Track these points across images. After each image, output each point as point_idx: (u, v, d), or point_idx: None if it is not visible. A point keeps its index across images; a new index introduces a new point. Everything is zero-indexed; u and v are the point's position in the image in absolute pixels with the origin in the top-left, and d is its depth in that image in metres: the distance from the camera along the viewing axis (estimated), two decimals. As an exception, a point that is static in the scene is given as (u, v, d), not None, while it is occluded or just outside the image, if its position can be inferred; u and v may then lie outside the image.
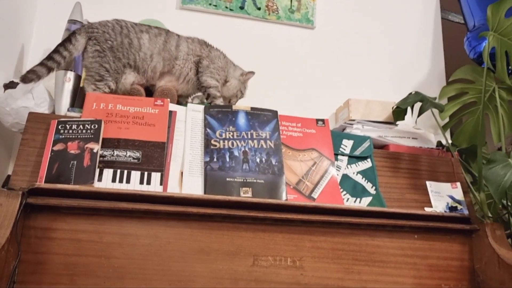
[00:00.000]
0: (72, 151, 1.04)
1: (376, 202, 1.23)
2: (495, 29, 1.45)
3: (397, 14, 2.07)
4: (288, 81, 1.84)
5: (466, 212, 1.26)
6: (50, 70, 1.18)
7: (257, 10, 1.87)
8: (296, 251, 1.06)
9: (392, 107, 1.51)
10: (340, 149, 1.30)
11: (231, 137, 1.18)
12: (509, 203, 1.32)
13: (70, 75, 1.34)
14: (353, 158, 1.30)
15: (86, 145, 1.05)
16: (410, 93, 1.50)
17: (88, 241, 0.95)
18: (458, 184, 1.32)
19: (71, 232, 0.95)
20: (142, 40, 1.29)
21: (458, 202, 1.29)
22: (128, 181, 1.05)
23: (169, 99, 1.21)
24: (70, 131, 1.07)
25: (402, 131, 1.53)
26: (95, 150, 1.04)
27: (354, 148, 1.31)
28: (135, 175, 1.07)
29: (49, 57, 1.19)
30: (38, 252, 0.92)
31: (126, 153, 1.09)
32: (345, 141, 1.32)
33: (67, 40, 1.23)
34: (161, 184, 1.07)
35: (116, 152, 1.08)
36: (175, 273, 0.97)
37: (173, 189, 1.09)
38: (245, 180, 1.12)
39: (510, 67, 1.49)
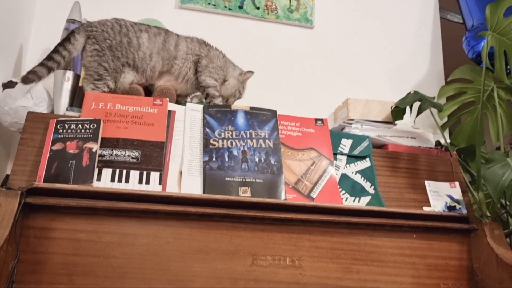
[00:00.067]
0: (71, 151, 1.04)
1: (375, 202, 1.23)
2: (494, 28, 1.45)
3: (396, 14, 2.08)
4: (287, 80, 1.84)
5: (464, 211, 1.26)
6: (50, 70, 1.18)
7: (256, 10, 1.87)
8: (295, 250, 1.06)
9: (391, 107, 1.51)
10: (339, 148, 1.30)
11: (230, 137, 1.18)
12: (507, 203, 1.33)
13: (69, 74, 1.34)
14: (352, 158, 1.30)
15: (85, 145, 1.05)
16: (409, 93, 1.50)
17: (87, 240, 0.95)
18: (457, 183, 1.32)
19: (70, 231, 0.95)
20: (141, 40, 1.29)
21: (457, 201, 1.29)
22: (127, 181, 1.05)
23: (168, 99, 1.21)
24: (69, 131, 1.06)
25: (401, 130, 1.53)
26: (94, 150, 1.04)
27: (353, 147, 1.31)
28: (134, 174, 1.07)
29: (49, 57, 1.19)
30: (37, 252, 0.92)
31: (125, 153, 1.09)
32: (344, 141, 1.32)
33: (66, 39, 1.22)
34: (160, 183, 1.07)
35: (115, 152, 1.08)
36: (174, 272, 0.97)
37: (172, 188, 1.09)
38: (244, 180, 1.12)
39: (508, 67, 1.49)
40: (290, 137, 1.26)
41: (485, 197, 1.31)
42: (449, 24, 2.31)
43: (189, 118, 1.20)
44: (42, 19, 1.64)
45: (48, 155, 1.03)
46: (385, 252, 1.12)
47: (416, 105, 1.44)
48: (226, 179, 1.11)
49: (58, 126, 1.07)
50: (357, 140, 1.33)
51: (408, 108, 1.47)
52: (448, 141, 1.57)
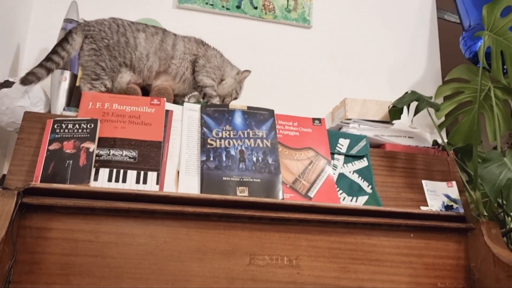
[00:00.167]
0: (68, 151, 1.03)
1: (372, 201, 1.23)
2: (491, 28, 1.45)
3: (393, 14, 2.08)
4: (285, 80, 1.84)
5: (461, 210, 1.26)
6: (49, 71, 1.18)
7: (254, 10, 1.87)
8: (293, 250, 1.06)
9: (388, 106, 1.51)
10: (337, 148, 1.30)
11: (228, 136, 1.18)
12: (504, 202, 1.33)
13: (66, 74, 1.34)
14: (350, 157, 1.30)
15: (82, 145, 1.04)
16: (406, 92, 1.50)
17: (84, 240, 0.95)
18: (454, 183, 1.32)
19: (67, 231, 0.95)
20: (138, 39, 1.28)
21: (454, 201, 1.29)
22: (124, 181, 1.05)
23: (165, 98, 1.21)
24: (66, 131, 1.06)
25: (398, 130, 1.54)
26: (91, 150, 1.04)
27: (350, 147, 1.32)
28: (131, 174, 1.06)
29: (48, 58, 1.18)
30: (33, 252, 0.92)
31: (122, 153, 1.08)
32: (341, 140, 1.32)
33: (64, 39, 1.22)
34: (157, 183, 1.07)
35: (112, 152, 1.08)
36: (171, 272, 0.97)
37: (170, 188, 1.08)
38: (241, 179, 1.12)
39: (505, 67, 1.50)
40: (288, 137, 1.26)
41: (482, 197, 1.31)
42: (446, 24, 2.32)
43: (186, 118, 1.20)
44: (39, 19, 1.64)
45: (45, 155, 1.02)
46: (383, 251, 1.12)
47: (414, 104, 1.44)
48: (224, 178, 1.11)
49: (55, 126, 1.07)
50: (355, 139, 1.34)
51: (405, 108, 1.47)
52: (445, 140, 1.57)
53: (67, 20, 1.43)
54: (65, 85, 1.32)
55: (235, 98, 1.45)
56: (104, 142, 1.08)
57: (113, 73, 1.24)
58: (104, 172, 1.04)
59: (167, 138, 1.15)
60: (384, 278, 1.10)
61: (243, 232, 1.04)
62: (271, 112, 1.26)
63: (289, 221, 1.07)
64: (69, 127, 1.07)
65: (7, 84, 1.24)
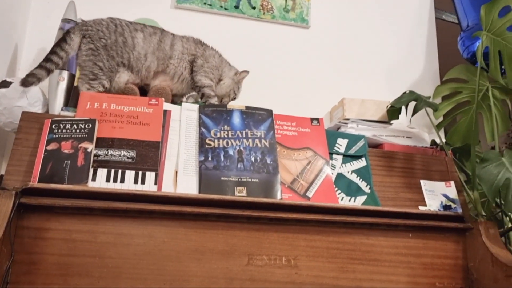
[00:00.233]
0: (66, 151, 1.03)
1: (370, 201, 1.23)
2: (488, 29, 1.46)
3: (391, 14, 2.08)
4: (283, 80, 1.84)
5: (460, 210, 1.27)
6: (49, 72, 1.18)
7: (252, 10, 1.87)
8: (291, 250, 1.06)
9: (387, 106, 1.52)
10: (335, 148, 1.30)
11: (226, 136, 1.18)
12: (502, 202, 1.33)
13: (64, 74, 1.34)
14: (348, 157, 1.30)
15: (80, 145, 1.04)
16: (405, 92, 1.50)
17: (82, 241, 0.95)
18: (452, 183, 1.33)
19: (65, 232, 0.95)
20: (136, 39, 1.28)
21: (452, 200, 1.29)
22: (122, 181, 1.05)
23: (163, 98, 1.21)
24: (64, 131, 1.06)
25: (397, 130, 1.54)
26: (89, 150, 1.04)
27: (348, 147, 1.32)
28: (130, 174, 1.06)
29: (47, 59, 1.18)
30: (31, 253, 0.92)
31: (121, 153, 1.08)
32: (339, 140, 1.32)
33: (62, 40, 1.22)
34: (155, 183, 1.07)
35: (110, 152, 1.08)
36: (170, 272, 0.97)
37: (168, 188, 1.08)
38: (239, 179, 1.12)
39: (503, 67, 1.50)
40: (286, 137, 1.26)
41: (480, 196, 1.31)
42: (445, 24, 2.33)
43: (184, 118, 1.20)
44: (37, 19, 1.64)
45: (43, 155, 1.02)
46: (381, 251, 1.12)
47: (412, 104, 1.44)
48: (222, 178, 1.11)
49: (53, 126, 1.06)
50: (353, 139, 1.34)
51: (403, 108, 1.47)
52: (444, 140, 1.57)
53: (65, 20, 1.43)
54: (63, 85, 1.32)
55: (233, 99, 1.45)
56: (102, 142, 1.08)
57: (111, 73, 1.24)
58: (102, 172, 1.04)
59: (165, 138, 1.15)
60: (382, 278, 1.10)
61: (241, 232, 1.04)
62: (269, 112, 1.26)
63: (288, 221, 1.07)
64: (67, 127, 1.06)
65: (5, 84, 1.24)
